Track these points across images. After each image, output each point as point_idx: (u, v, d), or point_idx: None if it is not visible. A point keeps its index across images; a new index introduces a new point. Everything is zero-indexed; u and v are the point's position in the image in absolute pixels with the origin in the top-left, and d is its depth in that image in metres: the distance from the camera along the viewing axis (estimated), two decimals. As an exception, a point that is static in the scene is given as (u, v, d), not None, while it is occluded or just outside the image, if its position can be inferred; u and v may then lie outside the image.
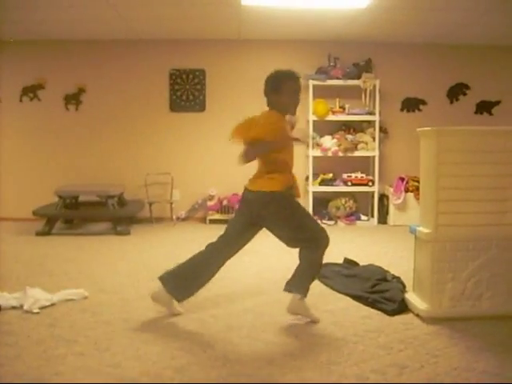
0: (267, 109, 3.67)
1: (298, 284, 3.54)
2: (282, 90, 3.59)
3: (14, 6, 5.87)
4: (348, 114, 7.62)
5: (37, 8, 6.01)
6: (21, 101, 7.83)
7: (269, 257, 5.39)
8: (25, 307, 3.73)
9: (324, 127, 7.70)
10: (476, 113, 8.10)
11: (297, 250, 3.57)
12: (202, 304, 3.94)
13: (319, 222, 7.43)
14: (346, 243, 6.29)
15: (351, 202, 7.62)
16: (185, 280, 3.55)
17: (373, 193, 7.72)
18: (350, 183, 7.59)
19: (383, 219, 7.72)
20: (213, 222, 7.51)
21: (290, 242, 3.56)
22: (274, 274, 4.75)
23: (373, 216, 7.75)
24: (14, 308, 3.77)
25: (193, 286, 3.58)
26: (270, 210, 3.41)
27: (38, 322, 3.54)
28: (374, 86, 7.53)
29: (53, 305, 3.87)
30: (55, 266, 5.14)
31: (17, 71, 7.76)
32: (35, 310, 3.71)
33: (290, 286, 3.56)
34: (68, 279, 4.62)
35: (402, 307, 3.82)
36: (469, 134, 3.66)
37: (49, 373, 2.78)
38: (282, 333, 3.43)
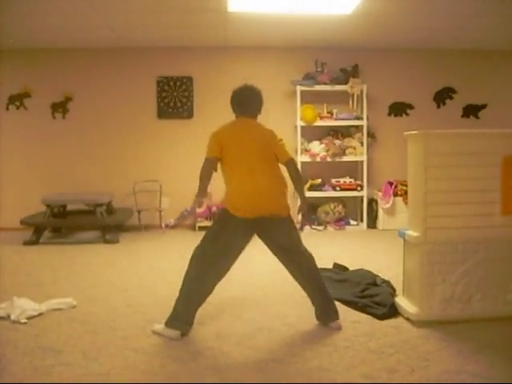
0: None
1: None
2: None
3: (0, 14, 5.83)
4: (336, 119, 7.63)
5: (23, 16, 5.97)
6: (7, 109, 7.76)
7: (253, 263, 5.34)
8: (12, 317, 3.69)
9: (312, 133, 7.70)
10: (463, 116, 8.15)
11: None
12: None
13: (309, 227, 7.45)
14: (336, 248, 6.29)
15: (340, 207, 7.62)
16: None
17: (362, 197, 7.72)
18: (338, 188, 7.59)
19: (372, 224, 7.73)
20: (202, 229, 7.47)
21: None
22: (259, 280, 4.75)
23: (362, 221, 7.76)
24: (0, 318, 3.72)
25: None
26: None
27: (25, 333, 3.50)
28: (362, 91, 7.55)
29: (40, 315, 3.84)
30: (43, 275, 5.09)
31: (3, 80, 7.69)
32: (22, 321, 3.67)
33: None
34: (56, 288, 4.57)
35: (392, 311, 3.82)
36: (455, 137, 3.67)
37: (36, 383, 2.75)
38: (272, 339, 3.41)
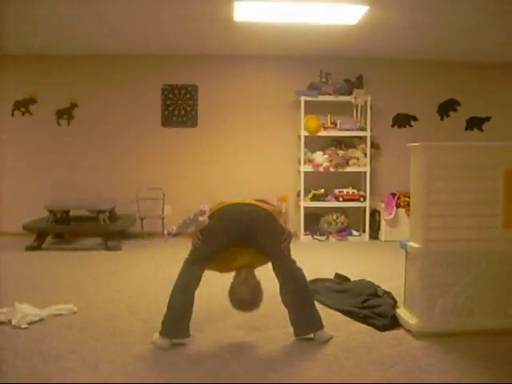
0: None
1: None
2: None
3: (7, 20, 5.87)
4: (339, 130, 7.65)
5: (29, 22, 6.02)
6: (12, 115, 7.80)
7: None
8: (13, 323, 3.70)
9: (315, 143, 7.71)
10: (466, 129, 8.15)
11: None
12: (191, 319, 3.92)
13: (311, 237, 7.45)
14: (338, 258, 6.29)
15: (343, 217, 7.62)
16: None
17: (364, 208, 7.73)
18: (341, 199, 7.59)
19: (375, 235, 7.73)
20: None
21: None
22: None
23: (364, 231, 7.75)
24: (2, 323, 3.73)
25: None
26: None
27: (26, 338, 3.51)
28: (366, 102, 7.57)
29: (41, 320, 3.84)
30: (45, 281, 5.11)
31: (9, 85, 7.73)
32: (23, 326, 3.68)
33: None
34: (57, 294, 4.58)
35: (393, 323, 3.82)
36: (457, 149, 3.69)
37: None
38: (272, 349, 3.41)
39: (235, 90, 7.86)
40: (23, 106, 7.80)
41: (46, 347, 3.35)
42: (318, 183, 7.70)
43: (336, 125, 7.65)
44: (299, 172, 7.62)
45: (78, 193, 7.68)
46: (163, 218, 7.68)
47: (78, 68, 7.80)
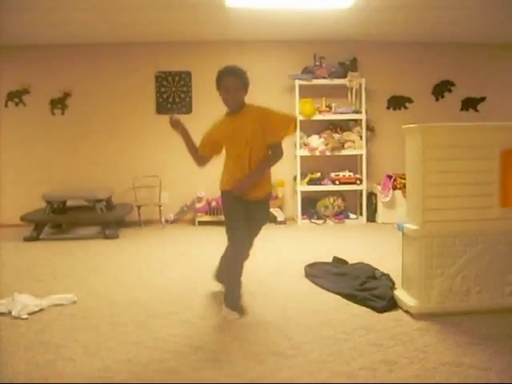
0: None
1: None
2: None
3: (-3, 10, 5.84)
4: (334, 113, 7.64)
5: (21, 12, 5.97)
6: (6, 106, 7.77)
7: (252, 257, 5.34)
8: (13, 313, 3.71)
9: (311, 127, 7.71)
10: (462, 109, 8.16)
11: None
12: (189, 305, 3.94)
13: (308, 221, 7.45)
14: (335, 242, 6.31)
15: (339, 200, 7.64)
16: None
17: (361, 191, 7.74)
18: (337, 182, 7.60)
19: (372, 217, 7.75)
20: (202, 223, 7.51)
21: None
22: (258, 274, 4.74)
23: (361, 214, 7.78)
24: (2, 314, 3.74)
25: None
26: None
27: (26, 328, 3.51)
28: (360, 85, 7.56)
29: (41, 310, 3.85)
30: (44, 271, 5.11)
31: (1, 76, 7.69)
32: (24, 316, 3.68)
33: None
34: (57, 284, 4.59)
35: (392, 304, 3.83)
36: (452, 130, 3.68)
37: (38, 379, 2.77)
38: (271, 332, 3.42)
39: (229, 75, 7.81)
40: (16, 96, 7.77)
41: (46, 337, 3.36)
42: (314, 167, 7.72)
43: (331, 108, 7.64)
44: (295, 156, 7.62)
45: (75, 183, 7.68)
46: (160, 206, 7.69)
47: (71, 57, 7.77)
